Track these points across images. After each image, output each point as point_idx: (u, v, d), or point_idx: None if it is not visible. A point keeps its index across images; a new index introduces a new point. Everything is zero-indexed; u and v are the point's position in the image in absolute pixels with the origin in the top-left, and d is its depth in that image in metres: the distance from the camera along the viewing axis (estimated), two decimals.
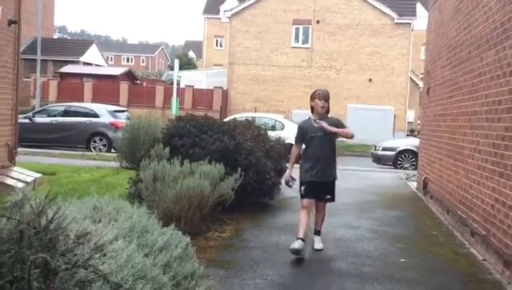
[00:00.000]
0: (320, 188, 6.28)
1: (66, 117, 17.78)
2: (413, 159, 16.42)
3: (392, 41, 30.77)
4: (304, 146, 6.39)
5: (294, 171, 6.54)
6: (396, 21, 30.75)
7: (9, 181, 9.07)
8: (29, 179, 9.55)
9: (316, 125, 6.21)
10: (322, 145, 6.22)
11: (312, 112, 6.38)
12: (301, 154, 6.43)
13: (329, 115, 6.41)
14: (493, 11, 6.53)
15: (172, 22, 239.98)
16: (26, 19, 36.84)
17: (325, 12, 31.11)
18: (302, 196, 6.28)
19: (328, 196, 6.38)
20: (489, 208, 6.12)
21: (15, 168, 9.90)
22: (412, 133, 28.00)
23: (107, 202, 4.84)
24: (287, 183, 6.52)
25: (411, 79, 32.22)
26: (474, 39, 7.37)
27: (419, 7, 34.54)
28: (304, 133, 6.32)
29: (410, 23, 31.08)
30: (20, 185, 9.06)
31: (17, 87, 10.38)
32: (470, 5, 7.83)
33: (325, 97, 6.27)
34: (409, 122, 32.06)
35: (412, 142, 17.04)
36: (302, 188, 6.25)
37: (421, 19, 34.47)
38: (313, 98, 6.33)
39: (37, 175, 10.07)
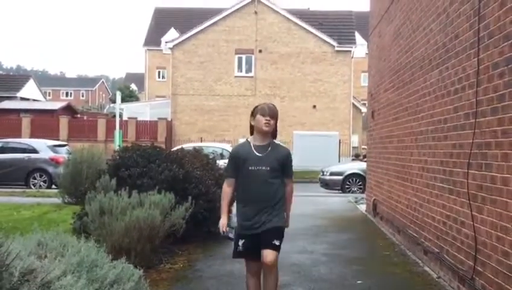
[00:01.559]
0: (265, 238, 4.33)
1: (4, 154, 17.03)
2: (360, 183, 16.64)
3: (333, 69, 31.51)
4: (239, 182, 4.45)
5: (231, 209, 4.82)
6: (336, 49, 31.55)
7: None
8: None
9: (257, 153, 4.31)
10: (264, 183, 4.28)
11: (251, 133, 4.45)
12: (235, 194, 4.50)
13: (277, 141, 4.51)
14: (434, 33, 6.71)
15: (112, 55, 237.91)
16: None
17: (267, 42, 31.57)
18: (241, 254, 4.46)
19: (276, 242, 4.34)
20: (441, 225, 6.17)
21: None
22: (357, 157, 28.47)
23: (52, 237, 4.56)
24: (224, 234, 4.60)
25: (353, 105, 32.97)
26: (417, 61, 7.54)
27: (357, 35, 35.63)
28: (239, 162, 4.35)
29: (350, 51, 31.96)
30: None
31: None
32: (410, 28, 8.04)
33: (271, 112, 4.34)
34: (353, 147, 32.68)
35: (358, 166, 17.29)
36: (240, 243, 4.42)
37: (360, 47, 35.64)
38: (253, 113, 4.41)
39: None
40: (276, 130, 4.42)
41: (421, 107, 7.28)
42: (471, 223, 5.12)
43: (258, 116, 4.33)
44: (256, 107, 4.46)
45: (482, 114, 4.97)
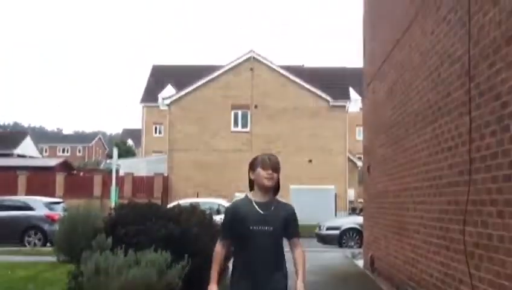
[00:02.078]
0: None
1: None
2: (357, 237, 16.53)
3: (329, 123, 31.87)
4: (236, 244, 3.79)
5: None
6: (331, 104, 32.01)
7: None
8: None
9: (260, 211, 3.67)
10: (267, 247, 3.65)
11: (251, 188, 3.83)
12: (232, 257, 3.87)
13: (278, 197, 3.90)
14: (426, 91, 6.87)
15: (108, 111, 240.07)
16: None
17: (262, 97, 32.04)
18: None
19: None
20: (439, 282, 6.13)
21: None
22: (354, 211, 28.40)
23: None
24: None
25: (349, 159, 33.15)
26: (411, 117, 7.68)
27: (351, 91, 36.23)
28: (237, 221, 3.69)
29: (344, 106, 32.43)
30: None
31: None
32: (403, 86, 8.22)
33: (273, 165, 3.73)
34: (350, 201, 32.62)
35: (355, 221, 17.22)
36: None
37: (354, 102, 36.19)
38: (252, 166, 3.80)
39: None
40: (278, 184, 3.78)
41: (416, 163, 7.36)
42: (469, 281, 5.09)
43: (259, 170, 3.70)
44: (256, 159, 3.79)
45: (476, 171, 5.03)
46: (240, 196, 23.87)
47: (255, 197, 3.74)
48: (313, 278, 10.27)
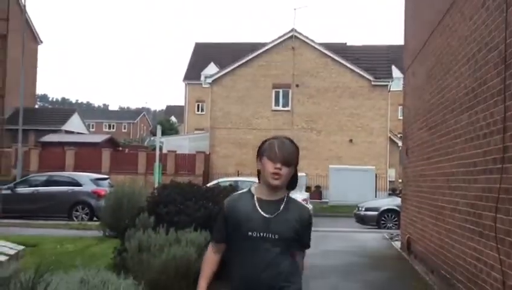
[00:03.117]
0: None
1: (48, 187, 17.70)
2: (396, 219, 16.54)
3: (370, 103, 31.61)
4: (230, 254, 2.89)
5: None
6: (373, 83, 31.70)
7: None
8: (11, 252, 9.40)
9: (263, 213, 2.77)
10: (268, 260, 2.75)
11: (259, 180, 2.88)
12: (226, 265, 2.92)
13: (292, 196, 2.90)
14: (464, 77, 6.86)
15: (153, 88, 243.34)
16: (9, 89, 37.29)
17: (304, 76, 31.99)
18: None
19: None
20: (472, 267, 6.21)
21: None
22: (394, 192, 28.24)
23: (93, 274, 4.86)
24: None
25: (390, 139, 32.85)
26: (448, 103, 7.68)
27: (394, 69, 35.70)
28: (232, 225, 2.82)
29: (386, 85, 32.05)
30: (2, 258, 8.93)
31: None
32: (442, 71, 8.20)
33: (284, 157, 2.77)
34: (390, 181, 32.41)
35: (394, 202, 17.21)
36: None
37: (397, 80, 35.68)
38: (259, 153, 2.87)
39: (20, 247, 9.92)
40: (296, 178, 2.84)
41: (452, 148, 7.38)
42: (500, 267, 5.17)
43: (265, 161, 2.76)
44: (263, 143, 2.87)
45: (509, 160, 5.07)
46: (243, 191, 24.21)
47: (260, 193, 2.80)
48: (349, 258, 10.45)
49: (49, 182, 17.97)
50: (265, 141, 2.90)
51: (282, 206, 2.78)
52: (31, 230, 13.40)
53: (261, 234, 2.74)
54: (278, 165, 2.73)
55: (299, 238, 2.81)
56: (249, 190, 2.87)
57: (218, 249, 2.90)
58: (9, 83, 33.12)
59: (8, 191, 17.29)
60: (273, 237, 2.73)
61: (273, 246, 2.73)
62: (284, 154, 2.76)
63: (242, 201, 2.82)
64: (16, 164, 26.24)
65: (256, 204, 2.78)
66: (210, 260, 2.92)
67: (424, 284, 8.23)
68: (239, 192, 2.95)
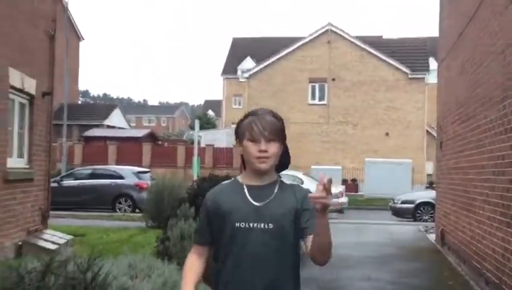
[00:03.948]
0: None
1: (92, 180, 18.45)
2: (432, 212, 16.57)
3: (407, 96, 31.47)
4: (216, 252, 2.38)
5: None
6: (410, 76, 31.55)
7: (42, 243, 9.56)
8: (61, 241, 10.02)
9: (252, 201, 2.29)
10: (262, 255, 2.25)
11: (244, 167, 2.42)
12: (212, 269, 2.40)
13: (285, 180, 2.41)
14: (494, 72, 7.02)
15: (191, 83, 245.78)
16: (53, 85, 38.42)
17: (339, 70, 32.05)
18: None
19: None
20: (500, 257, 6.41)
21: (47, 231, 10.42)
22: (431, 185, 28.07)
23: (140, 260, 5.31)
24: None
25: (428, 132, 32.61)
26: (479, 97, 7.84)
27: (432, 61, 35.33)
28: (217, 217, 2.33)
29: (423, 78, 31.84)
30: (53, 247, 9.54)
31: (49, 153, 11.07)
32: (474, 65, 8.35)
33: (267, 131, 2.29)
34: (428, 175, 32.20)
35: (430, 195, 17.23)
36: None
37: (434, 72, 35.23)
38: (238, 135, 2.38)
39: (68, 237, 10.55)
40: (287, 156, 2.38)
41: (482, 141, 7.55)
42: None
43: (247, 144, 2.28)
44: (240, 122, 2.36)
45: None
46: (316, 167, 24.11)
47: (247, 179, 2.33)
48: (384, 249, 10.68)
49: (93, 175, 18.74)
50: (242, 119, 2.36)
51: (274, 192, 2.28)
52: (77, 221, 14.08)
53: (251, 225, 2.22)
54: (263, 147, 2.23)
55: (298, 223, 2.24)
56: (235, 179, 2.40)
57: (201, 252, 2.37)
58: (54, 80, 34.12)
59: (55, 184, 18.08)
60: (266, 227, 2.22)
61: (267, 238, 2.21)
62: (267, 131, 2.25)
63: (227, 192, 2.33)
64: (60, 158, 27.25)
65: (246, 192, 2.28)
66: (192, 265, 2.37)
67: (455, 275, 8.43)
68: (223, 183, 2.44)
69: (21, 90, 9.10)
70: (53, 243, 9.85)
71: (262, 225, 2.25)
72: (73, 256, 4.96)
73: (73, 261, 3.97)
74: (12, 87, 8.64)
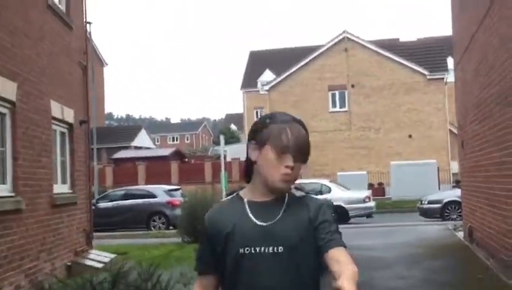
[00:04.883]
0: None
1: (126, 200, 19.12)
2: (459, 210, 16.79)
3: (427, 97, 31.71)
4: (223, 282, 1.98)
5: None
6: (428, 77, 31.80)
7: (90, 263, 10.16)
8: (106, 260, 10.62)
9: (257, 221, 1.89)
10: (274, 285, 1.85)
11: (247, 177, 2.00)
12: None
13: (298, 194, 1.96)
14: (506, 73, 7.42)
15: (211, 98, 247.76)
16: (88, 113, 39.57)
17: (358, 76, 32.44)
18: None
19: None
20: None
21: (92, 251, 11.04)
22: (457, 184, 28.09)
23: (189, 269, 5.83)
24: None
25: (451, 131, 32.70)
26: (494, 97, 8.22)
27: (450, 60, 35.41)
28: (218, 241, 1.92)
29: (442, 78, 32.06)
30: (99, 265, 10.13)
31: (89, 177, 11.73)
32: (487, 67, 8.73)
33: (300, 149, 1.91)
34: (453, 174, 32.21)
35: (457, 194, 17.42)
36: None
37: (453, 72, 35.27)
38: (256, 137, 1.93)
39: (112, 255, 11.15)
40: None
41: (500, 139, 7.92)
42: None
43: (270, 152, 1.88)
44: (264, 123, 1.95)
45: None
46: (342, 174, 24.30)
47: (250, 194, 1.97)
48: (413, 250, 11.03)
49: (127, 196, 19.42)
50: (266, 120, 1.94)
51: (283, 207, 1.91)
52: (116, 241, 14.70)
53: (257, 249, 1.86)
54: (291, 163, 1.86)
55: (316, 239, 1.85)
56: (237, 194, 2.00)
57: (206, 283, 1.99)
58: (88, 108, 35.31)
59: (92, 207, 18.83)
60: (275, 250, 1.85)
61: (278, 264, 1.86)
62: (299, 147, 1.89)
63: (226, 211, 1.97)
64: (93, 181, 28.08)
65: (247, 210, 1.92)
66: None
67: (484, 268, 8.75)
68: (223, 200, 2.12)
69: (61, 120, 9.77)
70: (99, 261, 10.44)
71: (271, 249, 1.84)
72: (134, 267, 5.50)
73: (136, 271, 4.48)
74: (54, 118, 9.29)
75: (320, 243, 1.83)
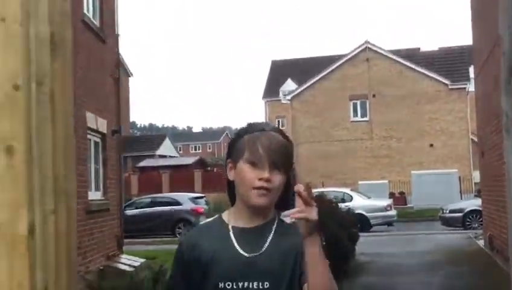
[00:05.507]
0: None
1: (152, 208, 19.65)
2: (481, 219, 16.94)
3: (448, 106, 31.78)
4: None
5: None
6: (450, 87, 31.89)
7: (121, 266, 10.64)
8: (136, 264, 11.09)
9: (241, 251, 1.65)
10: None
11: (231, 200, 1.75)
12: None
13: (288, 220, 1.61)
14: None
15: (233, 107, 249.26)
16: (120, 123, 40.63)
17: (379, 86, 32.67)
18: None
19: None
20: None
21: (123, 256, 11.53)
22: (479, 193, 28.07)
23: None
24: None
25: (472, 140, 32.69)
26: None
27: (472, 70, 35.41)
28: (194, 272, 1.67)
29: (464, 88, 32.12)
30: (130, 269, 10.60)
31: (120, 185, 12.23)
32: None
33: (275, 159, 1.63)
34: (476, 183, 32.16)
35: (478, 203, 17.56)
36: None
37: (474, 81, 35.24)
38: (232, 153, 1.73)
39: (141, 260, 11.61)
40: (290, 191, 1.61)
41: None
42: None
43: (243, 167, 1.67)
44: (238, 137, 1.75)
45: None
46: (363, 183, 24.63)
47: (234, 218, 1.73)
48: (435, 257, 11.30)
49: (153, 203, 19.97)
50: (240, 133, 1.75)
51: (271, 236, 1.69)
52: (144, 247, 15.18)
53: (240, 285, 1.64)
54: (266, 175, 1.63)
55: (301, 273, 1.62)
56: (219, 217, 1.78)
57: None
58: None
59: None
60: (260, 286, 1.64)
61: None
62: (276, 155, 1.65)
63: (207, 236, 1.72)
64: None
65: (232, 237, 1.69)
66: None
67: (503, 275, 8.97)
68: (204, 221, 1.86)
69: (95, 130, 10.29)
70: (130, 265, 10.92)
71: (255, 285, 1.63)
72: (165, 270, 5.90)
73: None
74: (89, 128, 9.82)
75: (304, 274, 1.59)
